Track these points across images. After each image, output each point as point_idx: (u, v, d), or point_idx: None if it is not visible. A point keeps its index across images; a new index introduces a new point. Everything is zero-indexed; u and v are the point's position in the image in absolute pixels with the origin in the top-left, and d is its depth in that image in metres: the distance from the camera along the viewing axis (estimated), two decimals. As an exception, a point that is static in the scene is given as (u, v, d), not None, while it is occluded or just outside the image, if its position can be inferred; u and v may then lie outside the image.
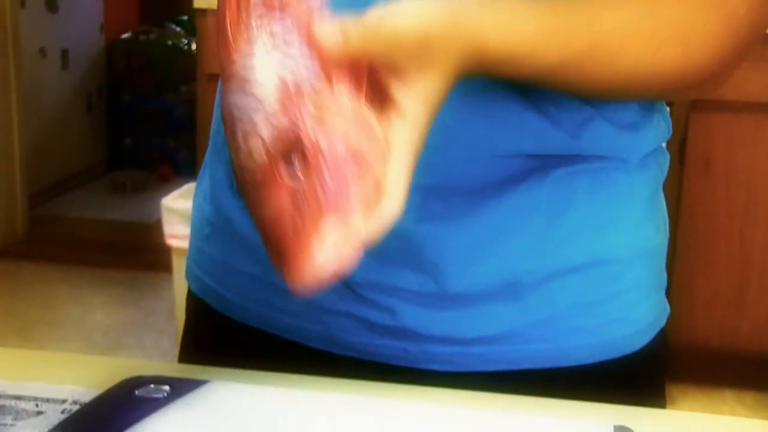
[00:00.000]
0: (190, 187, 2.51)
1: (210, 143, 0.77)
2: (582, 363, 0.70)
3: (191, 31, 4.32)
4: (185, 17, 4.57)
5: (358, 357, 0.71)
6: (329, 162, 0.45)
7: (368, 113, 0.47)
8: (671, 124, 0.74)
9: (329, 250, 0.46)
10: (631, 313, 0.71)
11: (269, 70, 0.47)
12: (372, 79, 0.48)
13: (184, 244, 2.39)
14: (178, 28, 4.61)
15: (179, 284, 2.50)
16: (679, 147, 2.34)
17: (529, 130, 0.65)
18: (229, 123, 0.48)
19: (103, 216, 4.04)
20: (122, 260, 3.55)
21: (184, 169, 4.40)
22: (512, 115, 0.64)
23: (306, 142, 0.46)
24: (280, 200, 0.46)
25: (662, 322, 0.74)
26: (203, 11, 2.54)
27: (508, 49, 0.54)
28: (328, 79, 0.47)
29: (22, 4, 3.82)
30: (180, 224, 2.38)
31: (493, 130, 0.64)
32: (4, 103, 3.64)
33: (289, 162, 0.46)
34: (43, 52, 4.04)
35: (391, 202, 0.48)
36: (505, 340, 0.69)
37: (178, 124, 4.52)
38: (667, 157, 0.74)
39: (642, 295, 0.72)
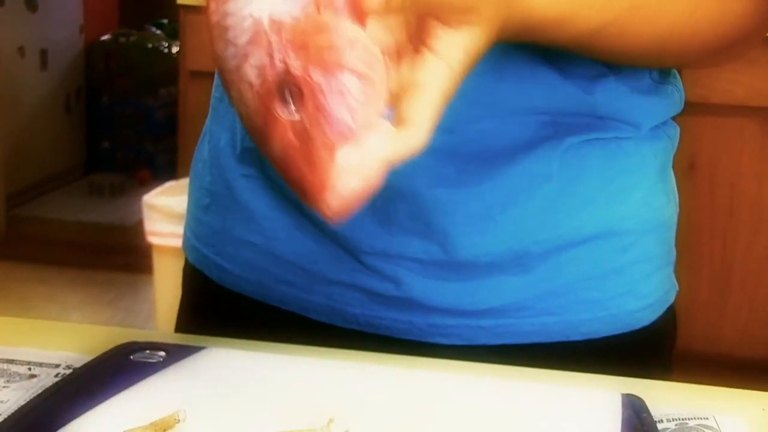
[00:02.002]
0: (171, 185, 2.47)
1: (211, 110, 0.75)
2: (590, 337, 0.69)
3: (171, 34, 4.29)
4: (165, 20, 4.54)
5: (362, 330, 0.69)
6: (323, 90, 0.45)
7: (364, 36, 0.46)
8: (684, 97, 0.73)
9: (349, 175, 0.45)
10: (640, 286, 0.70)
11: (243, 10, 0.46)
12: (414, 20, 0.48)
13: (166, 241, 2.38)
14: (158, 31, 4.57)
15: (161, 284, 2.46)
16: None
17: (541, 85, 0.64)
18: (222, 74, 0.48)
19: (80, 218, 3.99)
20: (100, 261, 3.51)
21: (163, 172, 4.35)
22: (523, 69, 0.63)
23: (294, 74, 0.45)
24: (285, 138, 0.45)
25: (671, 298, 0.73)
26: (187, 7, 2.51)
27: (553, 10, 0.55)
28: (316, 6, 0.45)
29: (1, 2, 3.78)
30: (161, 222, 2.34)
31: (504, 85, 0.63)
32: (-19, 103, 3.60)
33: (284, 99, 0.46)
34: (21, 51, 3.99)
35: (413, 134, 0.47)
36: (513, 313, 0.67)
37: (158, 128, 4.48)
38: (677, 130, 0.73)
39: (651, 269, 0.70)
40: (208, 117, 0.76)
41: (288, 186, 0.47)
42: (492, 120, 0.64)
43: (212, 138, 0.74)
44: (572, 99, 0.65)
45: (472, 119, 0.63)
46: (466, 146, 0.64)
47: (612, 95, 0.66)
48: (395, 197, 0.64)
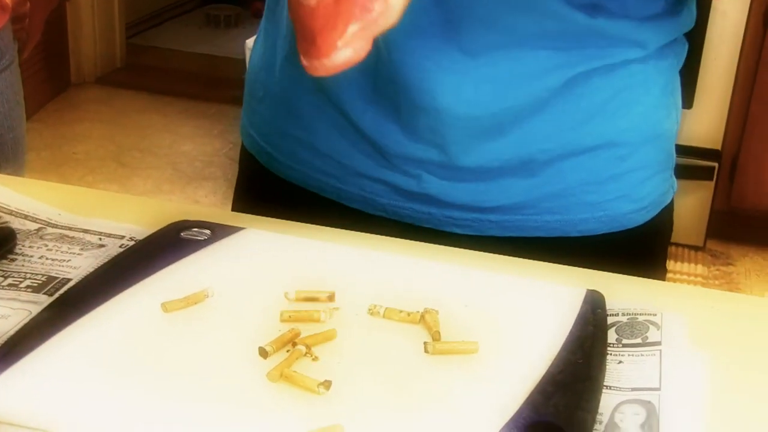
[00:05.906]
0: (275, 28, 2.55)
1: (266, 10, 0.83)
2: (587, 234, 0.77)
3: None
4: None
5: (388, 217, 0.79)
6: None
7: None
8: (695, 14, 0.77)
9: (348, 47, 0.52)
10: (636, 191, 0.77)
11: None
12: None
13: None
14: None
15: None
16: (763, 15, 2.30)
17: (549, 14, 0.69)
18: None
19: (195, 49, 4.13)
20: (211, 93, 3.65)
21: (276, 4, 4.41)
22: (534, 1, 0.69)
23: None
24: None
25: (668, 199, 0.80)
26: None
27: None
28: None
29: None
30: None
31: (517, 13, 0.69)
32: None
33: None
34: None
35: (390, 16, 0.53)
36: (519, 210, 0.76)
37: (273, -41, 4.50)
38: (686, 46, 0.78)
39: (648, 175, 0.78)
40: (264, 16, 0.84)
41: (297, 32, 0.53)
42: (510, 48, 0.70)
43: (267, 36, 0.83)
44: (580, 25, 0.70)
45: (492, 46, 0.70)
46: (485, 69, 0.71)
47: (618, 22, 0.71)
48: (419, 112, 0.73)
